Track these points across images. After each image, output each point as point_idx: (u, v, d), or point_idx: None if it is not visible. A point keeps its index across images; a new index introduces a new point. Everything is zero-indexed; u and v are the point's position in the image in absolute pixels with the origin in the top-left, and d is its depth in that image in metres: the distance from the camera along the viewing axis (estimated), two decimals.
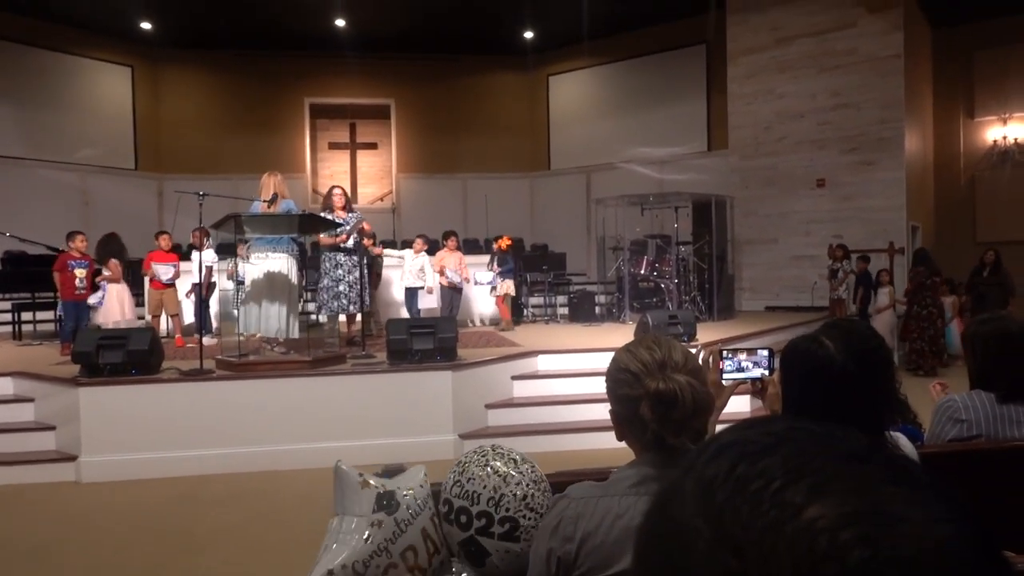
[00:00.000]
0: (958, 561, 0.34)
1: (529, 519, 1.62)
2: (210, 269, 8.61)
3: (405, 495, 1.71)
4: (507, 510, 1.64)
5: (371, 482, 1.72)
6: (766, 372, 1.88)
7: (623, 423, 1.37)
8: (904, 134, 11.67)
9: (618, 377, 1.37)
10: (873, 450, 0.39)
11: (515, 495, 1.65)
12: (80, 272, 8.00)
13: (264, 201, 6.53)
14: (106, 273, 8.25)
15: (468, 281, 9.62)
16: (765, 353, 1.90)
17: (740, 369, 1.87)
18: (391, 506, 1.66)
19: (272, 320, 6.24)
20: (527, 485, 1.66)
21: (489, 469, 1.69)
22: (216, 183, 11.75)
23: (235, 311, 8.41)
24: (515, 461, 1.70)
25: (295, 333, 6.44)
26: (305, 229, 6.47)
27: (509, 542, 1.64)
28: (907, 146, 11.75)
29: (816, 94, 12.33)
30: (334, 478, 1.69)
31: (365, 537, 1.58)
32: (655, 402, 1.30)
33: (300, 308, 7.04)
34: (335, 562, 1.54)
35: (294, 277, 6.41)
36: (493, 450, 1.73)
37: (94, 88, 14.38)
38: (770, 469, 0.37)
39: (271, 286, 6.25)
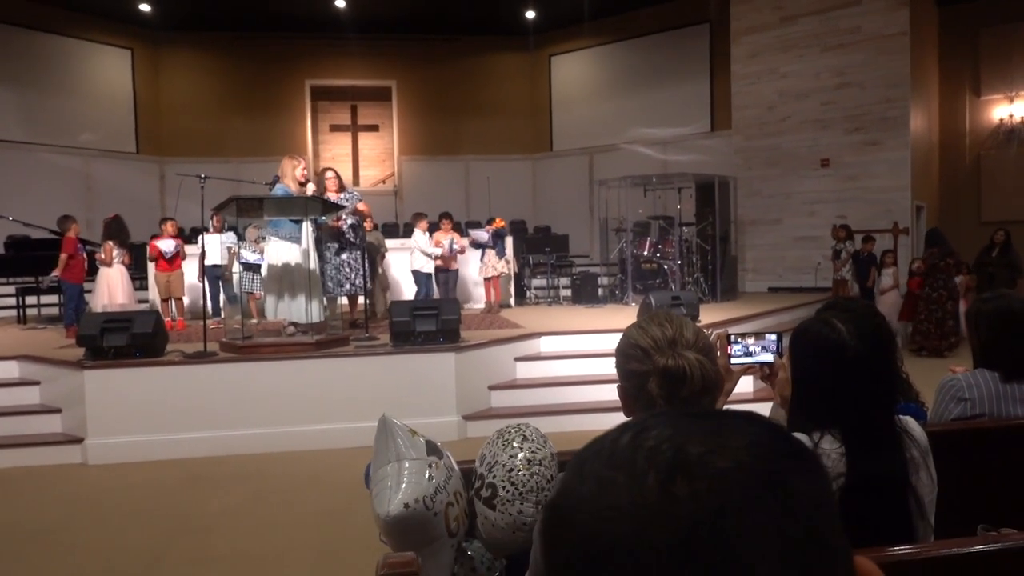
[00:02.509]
0: (764, 448, 0.45)
1: (508, 492, 1.64)
2: (230, 250, 8.63)
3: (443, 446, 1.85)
4: (494, 476, 1.68)
5: (417, 431, 1.83)
6: (774, 356, 1.87)
7: (631, 399, 1.37)
8: (909, 113, 11.59)
9: (628, 352, 1.37)
10: (716, 414, 0.50)
11: (503, 465, 1.68)
12: (84, 256, 8.13)
13: (267, 184, 6.51)
14: (100, 255, 8.27)
15: (463, 251, 9.56)
16: (773, 337, 1.89)
17: (748, 353, 1.86)
18: (439, 452, 1.77)
19: (293, 304, 6.18)
20: (519, 461, 1.67)
21: (499, 439, 1.74)
22: (218, 166, 11.73)
23: (239, 294, 8.46)
24: (524, 437, 1.72)
25: (318, 316, 6.38)
26: (325, 211, 6.42)
27: (487, 508, 1.67)
28: (912, 125, 11.66)
29: (820, 73, 12.23)
30: (380, 430, 1.78)
31: (427, 476, 1.68)
32: (664, 378, 1.30)
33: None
34: (410, 497, 1.63)
35: (312, 260, 6.34)
36: (519, 427, 1.78)
37: (94, 71, 14.31)
38: (611, 432, 0.50)
39: (293, 270, 6.19)
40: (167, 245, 8.50)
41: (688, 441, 0.45)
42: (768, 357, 1.88)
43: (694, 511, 0.42)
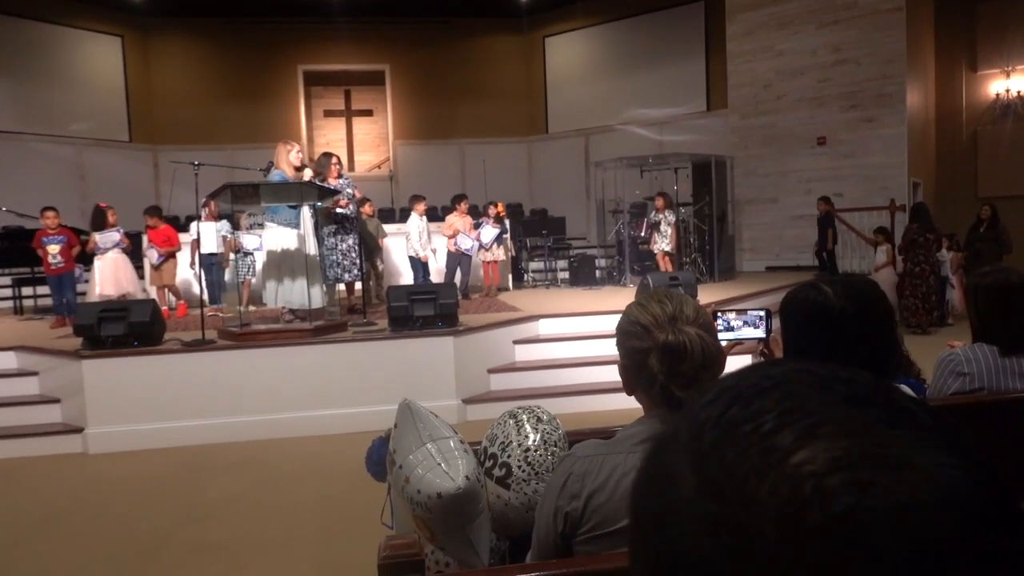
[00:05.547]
0: (964, 509, 0.30)
1: (524, 471, 1.65)
2: (225, 239, 8.58)
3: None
4: (508, 456, 1.70)
5: (437, 413, 1.84)
6: (760, 332, 1.86)
7: (632, 376, 1.36)
8: (905, 89, 11.53)
9: (628, 330, 1.36)
10: (877, 391, 0.36)
11: (519, 445, 1.70)
12: (53, 248, 7.97)
13: (261, 170, 6.47)
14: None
15: (479, 242, 9.45)
16: (760, 313, 1.87)
17: (729, 328, 1.84)
18: (455, 431, 1.77)
19: (294, 291, 6.13)
20: (535, 442, 1.68)
21: (512, 420, 1.76)
22: (211, 153, 11.66)
23: (237, 280, 8.43)
24: (538, 419, 1.74)
25: (319, 303, 6.35)
26: (321, 197, 6.36)
27: (501, 487, 1.70)
28: (908, 101, 11.61)
29: (816, 50, 12.15)
30: (403, 414, 1.77)
31: (466, 450, 1.69)
32: (664, 354, 1.29)
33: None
34: (467, 470, 1.63)
35: (311, 246, 6.29)
36: (530, 409, 1.79)
37: (85, 59, 14.18)
38: (762, 412, 0.35)
39: (292, 256, 6.13)
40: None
41: (877, 481, 0.31)
42: (754, 333, 1.86)
43: None
